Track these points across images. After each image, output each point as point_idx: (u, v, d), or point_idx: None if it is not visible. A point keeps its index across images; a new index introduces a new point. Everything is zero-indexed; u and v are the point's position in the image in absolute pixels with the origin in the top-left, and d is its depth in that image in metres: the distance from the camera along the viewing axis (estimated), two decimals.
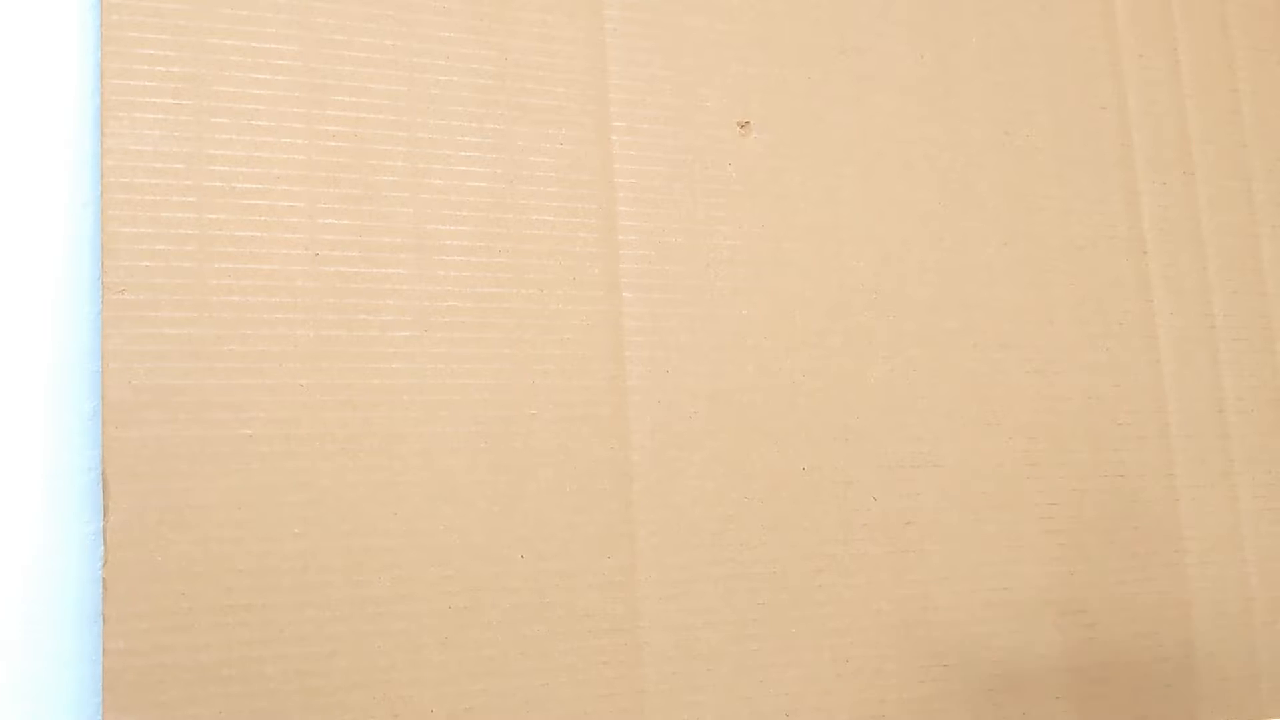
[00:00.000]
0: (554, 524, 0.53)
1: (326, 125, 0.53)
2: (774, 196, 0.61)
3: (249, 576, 0.49)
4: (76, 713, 0.48)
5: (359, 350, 0.52)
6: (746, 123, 0.61)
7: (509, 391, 0.54)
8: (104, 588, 0.47)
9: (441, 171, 0.54)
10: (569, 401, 0.55)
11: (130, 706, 0.46)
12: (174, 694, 0.47)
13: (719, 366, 0.58)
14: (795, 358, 0.59)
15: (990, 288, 0.64)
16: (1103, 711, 0.62)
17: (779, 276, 0.60)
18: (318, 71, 0.53)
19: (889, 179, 0.63)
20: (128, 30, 0.50)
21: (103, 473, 0.47)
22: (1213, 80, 0.72)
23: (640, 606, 0.54)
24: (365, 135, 0.53)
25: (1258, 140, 0.73)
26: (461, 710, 0.51)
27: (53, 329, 0.51)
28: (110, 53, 0.50)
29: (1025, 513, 0.62)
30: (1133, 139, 0.69)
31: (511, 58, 0.57)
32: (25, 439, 0.50)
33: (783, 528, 0.57)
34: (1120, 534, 0.64)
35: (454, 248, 0.54)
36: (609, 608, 0.54)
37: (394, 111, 0.54)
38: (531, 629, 0.52)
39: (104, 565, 0.47)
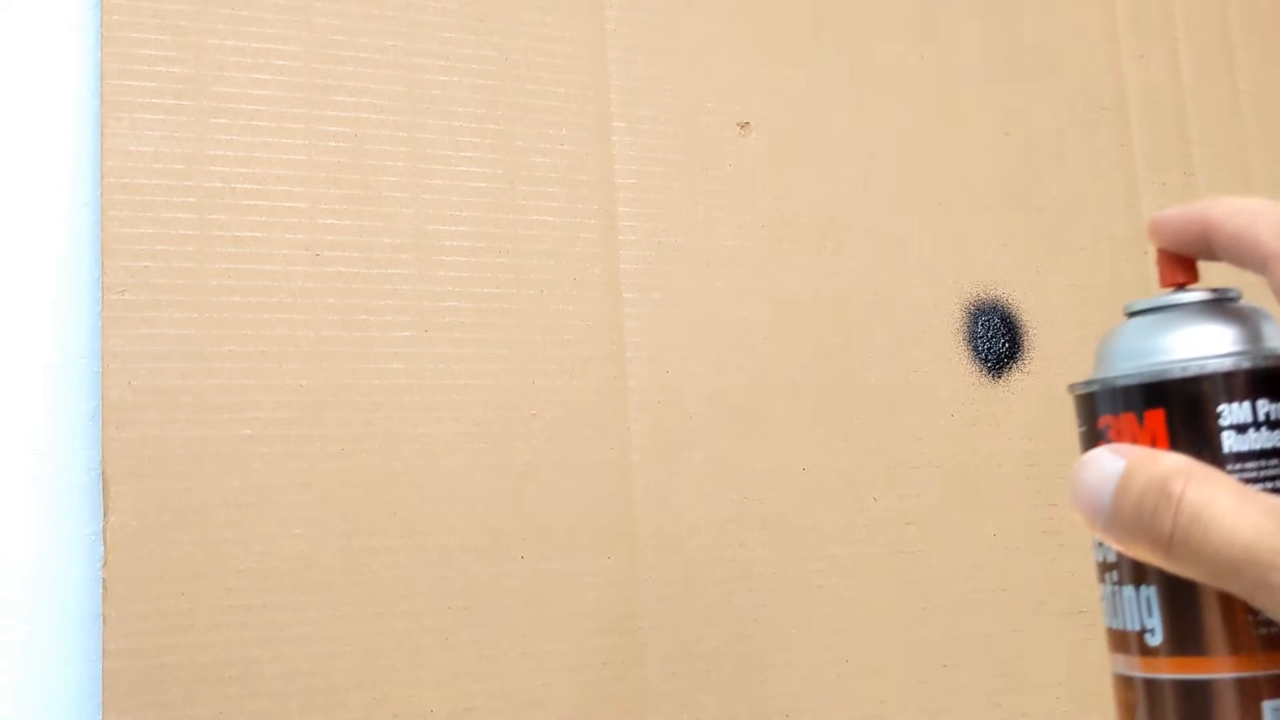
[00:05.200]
0: (554, 524, 0.53)
1: (326, 125, 0.53)
2: (774, 196, 0.61)
3: (249, 576, 0.49)
4: (76, 713, 0.48)
5: (359, 350, 0.52)
6: (746, 123, 0.61)
7: (509, 391, 0.54)
8: (104, 588, 0.47)
9: (441, 171, 0.54)
10: (569, 401, 0.55)
11: (130, 706, 0.46)
12: (174, 694, 0.47)
13: (719, 366, 0.58)
14: (795, 358, 0.59)
15: (990, 288, 0.64)
16: (1101, 712, 0.62)
17: (779, 276, 0.60)
18: (318, 71, 0.53)
19: (889, 179, 0.63)
20: (128, 30, 0.50)
21: (103, 473, 0.47)
22: (1213, 80, 0.72)
23: (640, 607, 0.54)
24: (365, 135, 0.53)
25: (1258, 140, 0.73)
26: (461, 710, 0.51)
27: (53, 329, 0.51)
28: (110, 53, 0.50)
29: (1025, 513, 0.62)
30: (1133, 139, 0.69)
31: (511, 58, 0.57)
32: (25, 439, 0.50)
33: (783, 528, 0.57)
34: None
35: (454, 248, 0.54)
36: (609, 608, 0.54)
37: (394, 111, 0.54)
38: (531, 629, 0.52)
39: (104, 565, 0.47)
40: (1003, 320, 0.64)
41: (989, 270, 0.65)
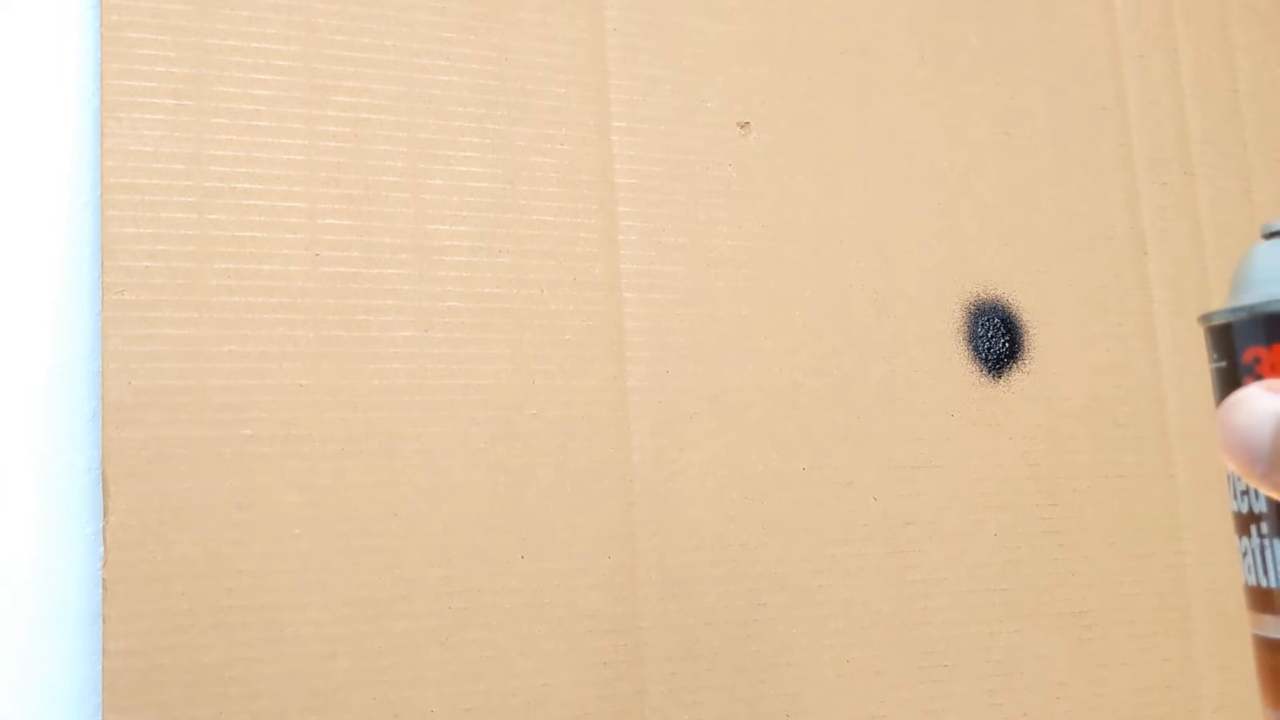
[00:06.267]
0: (554, 524, 0.53)
1: (326, 125, 0.53)
2: (774, 196, 0.61)
3: (249, 576, 0.49)
4: (76, 713, 0.48)
5: (359, 350, 0.52)
6: (746, 123, 0.61)
7: (509, 391, 0.54)
8: (104, 588, 0.47)
9: (441, 171, 0.54)
10: (569, 401, 0.55)
11: (130, 706, 0.46)
12: (174, 694, 0.47)
13: (719, 366, 0.58)
14: (795, 358, 0.59)
15: (990, 288, 0.64)
16: (1101, 711, 0.62)
17: (779, 276, 0.60)
18: (318, 71, 0.53)
19: (889, 179, 0.63)
20: (128, 30, 0.50)
21: (103, 473, 0.47)
22: (1213, 80, 0.72)
23: (640, 607, 0.54)
24: (365, 135, 0.53)
25: (1258, 140, 0.73)
26: (461, 710, 0.51)
27: (53, 329, 0.51)
28: (110, 53, 0.50)
29: (1025, 513, 0.62)
30: (1133, 139, 0.69)
31: (511, 58, 0.57)
32: (25, 439, 0.50)
33: (782, 528, 0.57)
34: (1120, 534, 0.64)
35: (454, 248, 0.54)
36: (609, 608, 0.54)
37: (394, 111, 0.54)
38: (531, 629, 0.52)
39: (104, 565, 0.47)
40: (1002, 320, 0.64)
41: (989, 270, 0.65)
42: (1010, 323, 0.64)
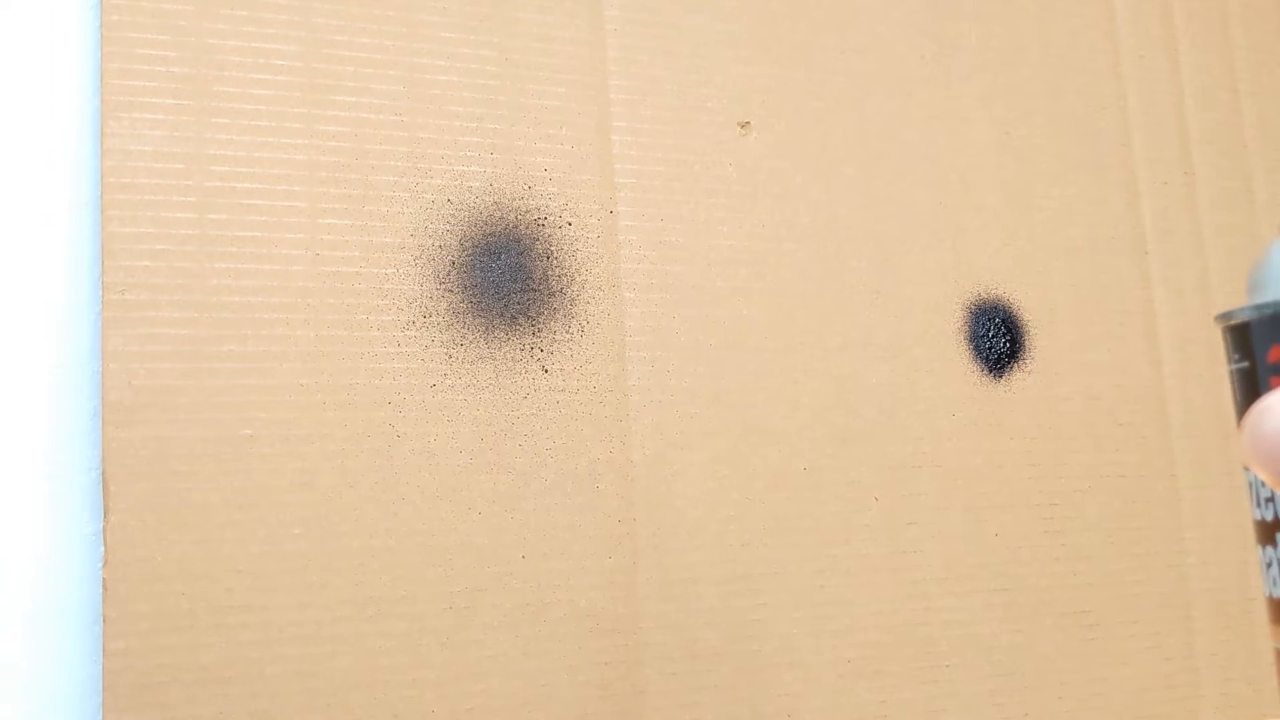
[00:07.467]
0: (554, 524, 0.53)
1: (326, 125, 0.53)
2: (774, 196, 0.61)
3: (249, 576, 0.49)
4: (76, 713, 0.48)
5: (359, 350, 0.52)
6: (746, 123, 0.61)
7: (509, 391, 0.54)
8: (104, 588, 0.47)
9: (442, 171, 0.54)
10: (569, 401, 0.55)
11: (130, 706, 0.46)
12: (174, 694, 0.47)
13: (719, 366, 0.58)
14: (795, 358, 0.59)
15: (991, 288, 0.64)
16: (1103, 712, 0.62)
17: (779, 276, 0.60)
18: (318, 71, 0.53)
19: (889, 179, 0.63)
20: (128, 30, 0.50)
21: (103, 473, 0.47)
22: (1213, 80, 0.72)
23: (641, 607, 0.54)
24: (365, 135, 0.53)
25: (1258, 140, 0.73)
26: (461, 710, 0.51)
27: (53, 329, 0.51)
28: (110, 53, 0.50)
29: (1026, 513, 0.62)
30: (1133, 139, 0.69)
31: (511, 58, 0.57)
32: (25, 439, 0.50)
33: (783, 528, 0.57)
34: (1121, 534, 0.64)
35: (454, 247, 0.54)
36: (609, 608, 0.54)
37: (394, 111, 0.54)
38: (531, 629, 0.52)
39: (104, 565, 0.47)
40: (1003, 320, 0.64)
41: (989, 270, 0.65)
42: (1011, 322, 0.64)
